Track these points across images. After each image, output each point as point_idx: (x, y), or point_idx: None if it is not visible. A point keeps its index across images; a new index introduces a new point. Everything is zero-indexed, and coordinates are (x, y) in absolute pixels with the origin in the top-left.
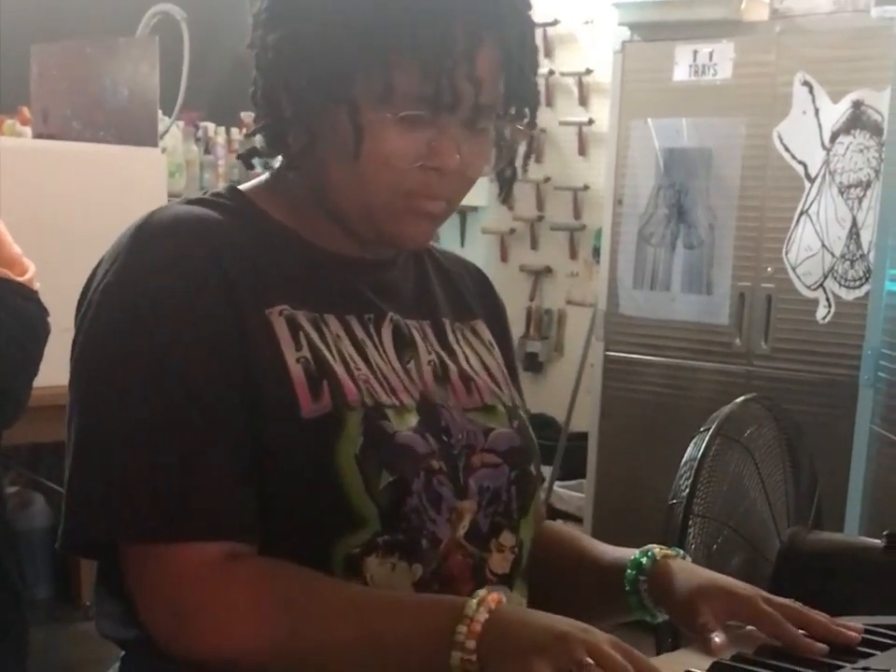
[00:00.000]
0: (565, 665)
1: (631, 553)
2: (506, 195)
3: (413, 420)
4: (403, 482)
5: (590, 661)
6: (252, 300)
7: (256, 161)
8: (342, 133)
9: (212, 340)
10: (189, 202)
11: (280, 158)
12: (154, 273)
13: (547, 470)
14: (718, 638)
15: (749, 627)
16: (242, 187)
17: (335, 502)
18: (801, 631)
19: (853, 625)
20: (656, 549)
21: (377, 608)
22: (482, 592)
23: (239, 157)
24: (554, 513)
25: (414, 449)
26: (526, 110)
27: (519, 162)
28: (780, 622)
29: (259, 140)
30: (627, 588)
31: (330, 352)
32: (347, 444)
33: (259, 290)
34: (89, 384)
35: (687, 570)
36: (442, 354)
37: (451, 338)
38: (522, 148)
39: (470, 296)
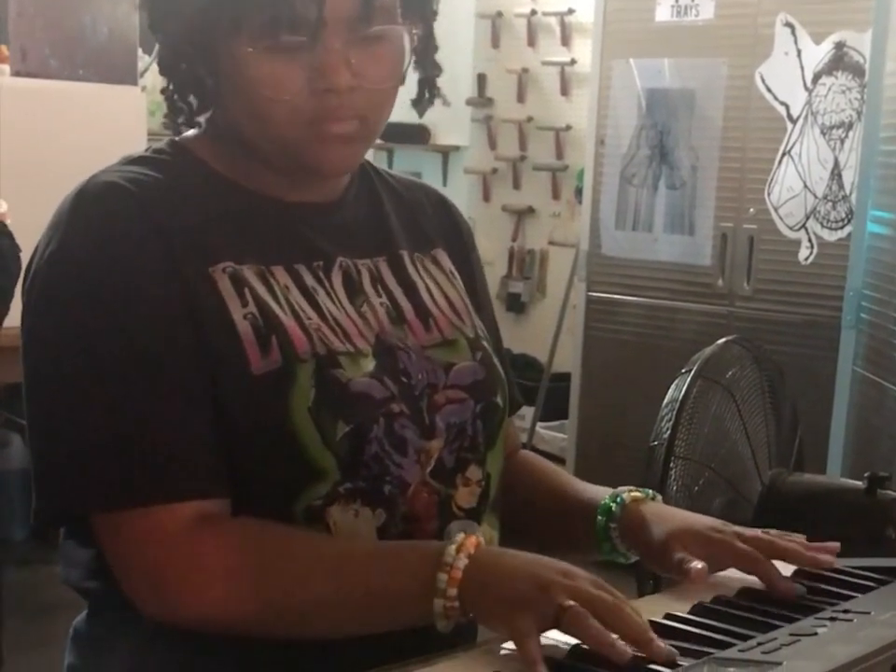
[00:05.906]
0: (551, 614)
1: (606, 494)
2: (419, 101)
3: (369, 365)
4: (361, 430)
5: (573, 603)
6: (194, 259)
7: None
8: (231, 73)
9: (160, 303)
10: (129, 161)
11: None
12: (94, 243)
13: (529, 411)
14: (698, 565)
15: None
16: (181, 138)
17: (293, 457)
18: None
19: (829, 545)
20: (625, 493)
21: (354, 560)
22: (460, 536)
23: (164, 123)
24: (537, 454)
25: (370, 395)
26: (421, 9)
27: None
28: (758, 559)
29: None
30: (599, 534)
31: (279, 304)
32: (300, 398)
33: (202, 248)
34: (42, 362)
35: (658, 515)
36: (396, 292)
37: (410, 269)
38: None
39: (429, 223)
